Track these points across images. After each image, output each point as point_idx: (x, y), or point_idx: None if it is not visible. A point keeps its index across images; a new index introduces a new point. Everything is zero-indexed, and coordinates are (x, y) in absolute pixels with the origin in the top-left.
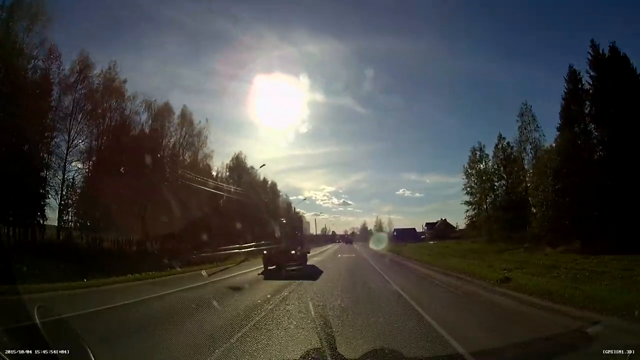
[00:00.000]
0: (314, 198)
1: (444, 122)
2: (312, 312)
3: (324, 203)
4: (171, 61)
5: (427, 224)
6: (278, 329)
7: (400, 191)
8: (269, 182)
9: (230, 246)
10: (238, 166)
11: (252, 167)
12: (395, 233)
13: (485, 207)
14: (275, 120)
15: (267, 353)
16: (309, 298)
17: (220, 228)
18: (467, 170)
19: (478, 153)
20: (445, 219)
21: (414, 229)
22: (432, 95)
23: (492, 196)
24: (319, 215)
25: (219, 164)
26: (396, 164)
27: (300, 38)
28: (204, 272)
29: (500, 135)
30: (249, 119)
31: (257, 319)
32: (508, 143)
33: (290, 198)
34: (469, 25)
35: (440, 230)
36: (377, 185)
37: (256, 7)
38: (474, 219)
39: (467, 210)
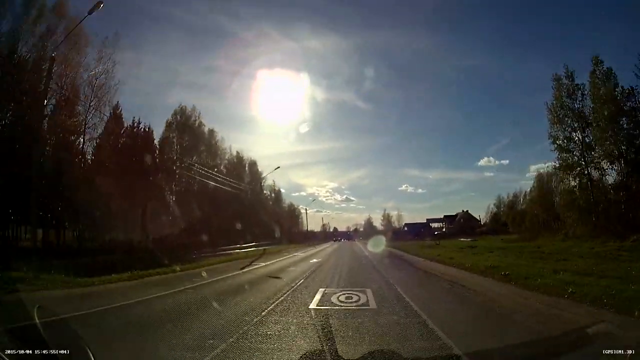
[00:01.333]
0: (316, 194)
1: (446, 117)
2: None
3: (326, 199)
4: (172, 58)
5: (446, 217)
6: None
7: (403, 187)
8: (246, 159)
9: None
10: (185, 124)
11: (212, 130)
12: (405, 228)
13: (587, 172)
14: (277, 116)
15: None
16: None
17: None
18: (554, 113)
19: (567, 84)
20: (467, 211)
21: (428, 223)
22: (434, 90)
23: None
24: (321, 211)
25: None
26: (398, 160)
27: (302, 34)
28: None
29: (598, 58)
30: (251, 116)
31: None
32: (610, 69)
33: (292, 194)
34: (471, 21)
35: (462, 224)
36: (380, 181)
37: (257, 4)
38: (575, 194)
39: (563, 180)
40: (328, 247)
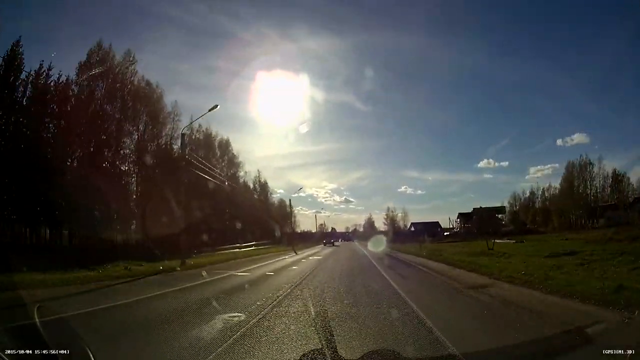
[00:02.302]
0: (315, 195)
1: (445, 118)
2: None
3: (325, 200)
4: (172, 58)
5: (460, 215)
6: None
7: (402, 188)
8: (214, 135)
9: None
10: (111, 74)
11: (151, 84)
12: (412, 228)
13: None
14: (276, 117)
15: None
16: None
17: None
18: None
19: None
20: (486, 207)
21: (437, 222)
22: (433, 91)
23: None
24: (320, 212)
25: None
26: (398, 161)
27: (301, 34)
28: None
29: None
30: (250, 117)
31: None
32: None
33: (292, 195)
34: (470, 22)
35: (481, 222)
36: (379, 183)
37: (257, 4)
38: None
39: None
40: (316, 255)
